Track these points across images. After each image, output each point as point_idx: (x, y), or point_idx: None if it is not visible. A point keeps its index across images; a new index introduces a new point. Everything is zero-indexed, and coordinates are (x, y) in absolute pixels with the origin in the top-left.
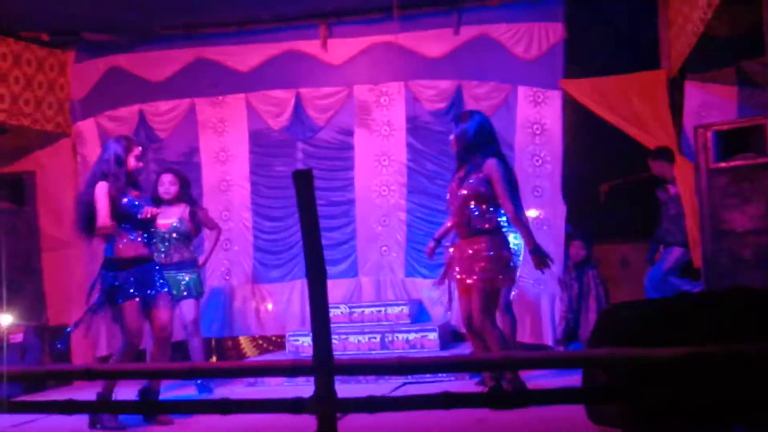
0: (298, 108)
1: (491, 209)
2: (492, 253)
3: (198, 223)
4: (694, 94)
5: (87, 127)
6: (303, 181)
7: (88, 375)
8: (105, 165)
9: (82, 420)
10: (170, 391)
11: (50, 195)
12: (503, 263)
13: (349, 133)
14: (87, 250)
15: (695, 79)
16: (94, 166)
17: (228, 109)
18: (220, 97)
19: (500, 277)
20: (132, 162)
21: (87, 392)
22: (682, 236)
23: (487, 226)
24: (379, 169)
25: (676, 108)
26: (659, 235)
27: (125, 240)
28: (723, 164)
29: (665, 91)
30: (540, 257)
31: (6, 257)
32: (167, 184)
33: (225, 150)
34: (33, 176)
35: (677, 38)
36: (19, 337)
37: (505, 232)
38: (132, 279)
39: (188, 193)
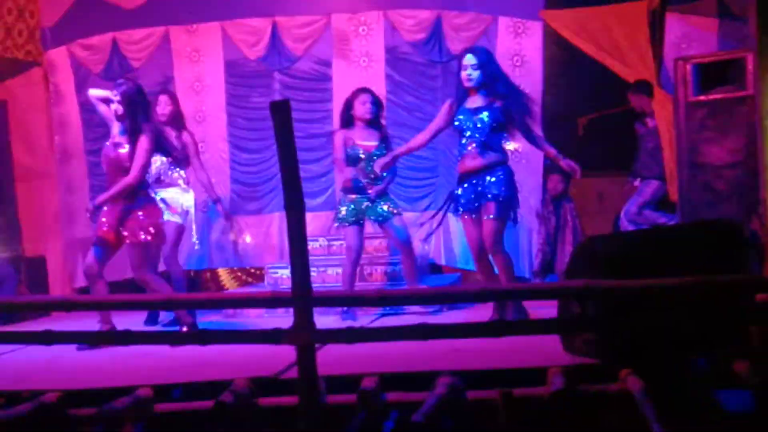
0: (275, 37)
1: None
2: None
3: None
4: (674, 25)
5: (59, 55)
6: (280, 112)
7: (65, 306)
8: None
9: (59, 350)
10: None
11: (23, 125)
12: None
13: (327, 63)
14: (61, 180)
15: (676, 11)
16: None
17: (203, 37)
18: (195, 26)
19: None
20: None
21: (65, 323)
22: (659, 169)
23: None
24: None
25: (657, 40)
26: (636, 168)
27: None
28: (702, 97)
29: (645, 23)
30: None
31: None
32: (368, 104)
33: (200, 80)
34: (5, 105)
35: None
36: None
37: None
38: None
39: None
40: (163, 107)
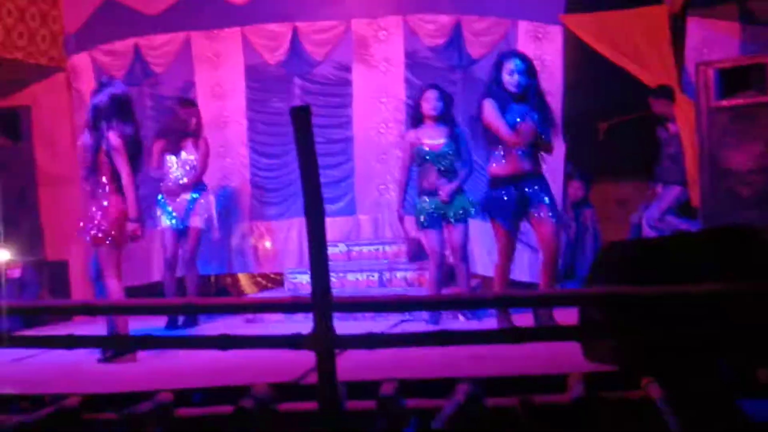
0: (295, 42)
1: None
2: None
3: None
4: (695, 30)
5: (81, 61)
6: (301, 117)
7: (87, 310)
8: None
9: (82, 354)
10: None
11: (46, 130)
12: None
13: (347, 68)
14: (83, 185)
15: (697, 15)
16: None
17: (223, 43)
18: (216, 31)
19: None
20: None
21: (87, 327)
22: (681, 175)
23: None
24: (378, 106)
25: (678, 44)
26: (658, 173)
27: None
28: (724, 102)
29: (667, 27)
30: None
31: (2, 193)
32: (433, 100)
33: (221, 85)
34: (29, 111)
35: None
36: (17, 273)
37: None
38: None
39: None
40: (197, 118)
